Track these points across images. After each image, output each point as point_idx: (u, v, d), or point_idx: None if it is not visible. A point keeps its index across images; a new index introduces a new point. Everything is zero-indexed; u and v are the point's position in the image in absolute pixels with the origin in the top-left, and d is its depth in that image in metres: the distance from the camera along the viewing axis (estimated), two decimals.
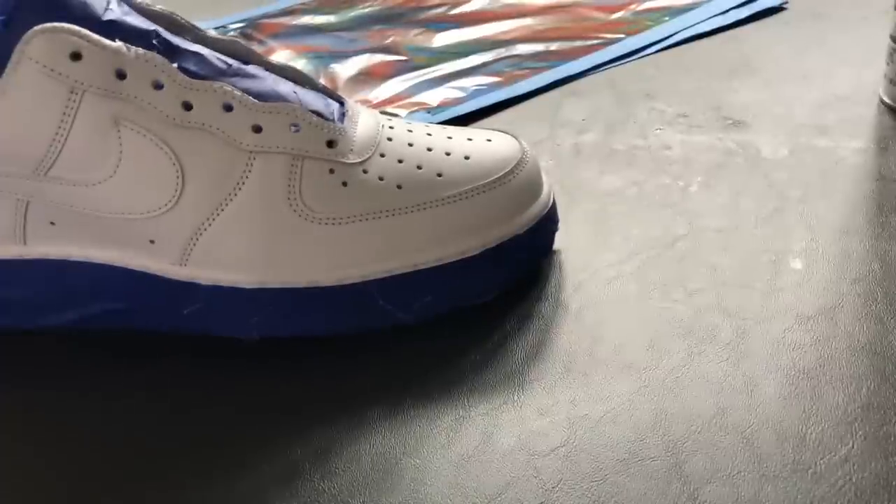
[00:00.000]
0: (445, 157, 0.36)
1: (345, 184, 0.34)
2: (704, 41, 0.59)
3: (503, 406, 0.32)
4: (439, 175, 0.36)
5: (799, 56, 0.56)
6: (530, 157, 0.38)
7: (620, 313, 0.36)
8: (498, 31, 0.63)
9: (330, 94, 0.37)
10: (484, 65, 0.58)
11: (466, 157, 0.37)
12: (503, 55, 0.59)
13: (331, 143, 0.35)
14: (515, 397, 0.32)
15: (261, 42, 0.64)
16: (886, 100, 0.49)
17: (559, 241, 0.40)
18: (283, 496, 0.29)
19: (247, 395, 0.33)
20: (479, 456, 0.30)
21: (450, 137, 0.38)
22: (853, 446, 0.29)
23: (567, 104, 0.53)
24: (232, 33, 0.66)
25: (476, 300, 0.36)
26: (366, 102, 0.54)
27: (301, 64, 0.60)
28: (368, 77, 0.57)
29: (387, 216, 0.34)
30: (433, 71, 0.57)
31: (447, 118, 0.51)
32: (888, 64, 0.49)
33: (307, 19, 0.68)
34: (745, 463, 0.29)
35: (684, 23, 0.62)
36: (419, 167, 0.36)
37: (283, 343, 0.35)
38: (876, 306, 0.35)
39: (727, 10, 0.63)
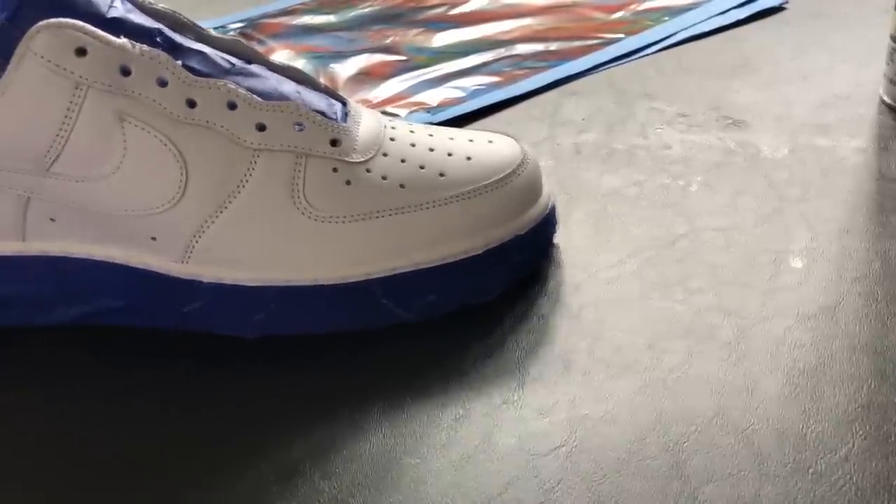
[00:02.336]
0: (448, 157, 0.36)
1: (348, 182, 0.34)
2: (704, 41, 0.59)
3: (503, 406, 0.32)
4: (442, 175, 0.36)
5: (799, 56, 0.56)
6: (531, 158, 0.38)
7: (620, 313, 0.36)
8: (498, 31, 0.63)
9: (332, 94, 0.37)
10: (484, 64, 0.58)
11: (468, 158, 0.37)
12: (503, 55, 0.59)
13: (334, 142, 0.35)
14: (515, 397, 0.32)
15: (261, 42, 0.64)
16: (887, 99, 0.49)
17: (559, 241, 0.40)
18: (283, 496, 0.29)
19: (246, 395, 0.33)
20: (479, 456, 0.30)
21: (451, 138, 0.38)
22: (853, 446, 0.29)
23: (567, 104, 0.53)
24: (232, 33, 0.66)
25: (478, 299, 0.36)
26: (366, 102, 0.54)
27: (301, 64, 0.60)
28: (368, 77, 0.57)
29: (390, 215, 0.34)
30: (433, 71, 0.57)
31: (447, 118, 0.51)
32: (888, 63, 0.49)
33: (307, 19, 0.68)
34: (745, 462, 0.29)
35: (684, 23, 0.62)
36: (422, 167, 0.36)
37: (282, 342, 0.35)
38: (876, 306, 0.35)
39: (727, 10, 0.63)
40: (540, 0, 0.68)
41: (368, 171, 0.35)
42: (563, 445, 0.30)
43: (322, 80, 0.57)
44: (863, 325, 0.34)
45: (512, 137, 0.39)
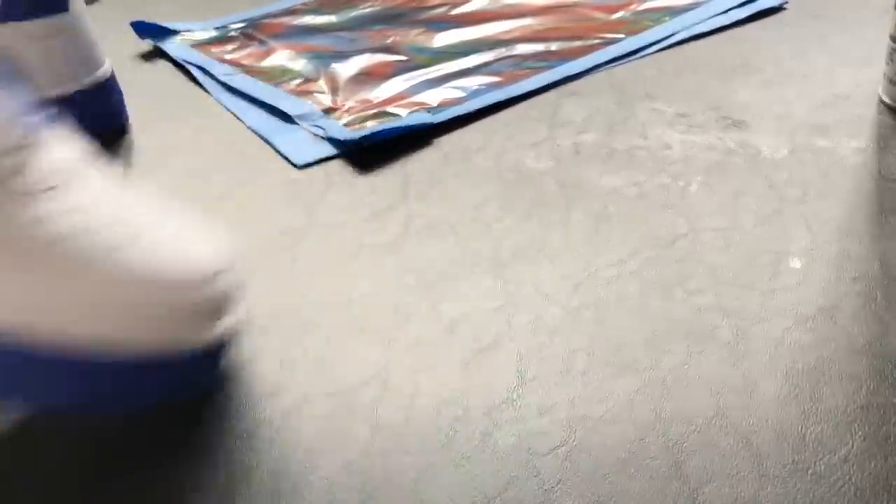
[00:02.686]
0: (145, 225, 0.30)
1: (16, 211, 0.27)
2: (704, 41, 0.60)
3: (503, 406, 0.32)
4: (130, 244, 0.29)
5: (799, 56, 0.56)
6: (233, 264, 0.33)
7: (620, 313, 0.36)
8: (498, 31, 0.63)
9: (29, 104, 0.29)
10: (484, 65, 0.58)
11: (168, 237, 0.30)
12: (503, 55, 0.59)
13: (8, 153, 0.27)
14: (515, 397, 0.32)
15: (262, 42, 0.64)
16: (886, 99, 0.49)
17: (557, 247, 0.40)
18: (282, 496, 0.29)
19: (244, 394, 0.33)
20: (478, 456, 0.30)
21: (152, 211, 0.31)
22: (852, 446, 0.29)
23: (567, 104, 0.53)
24: (233, 33, 0.66)
25: (134, 402, 0.31)
26: (366, 102, 0.54)
27: (301, 63, 0.60)
28: (369, 77, 0.57)
29: (55, 266, 0.27)
30: (434, 71, 0.57)
31: (447, 118, 0.51)
32: (888, 63, 0.49)
33: (308, 19, 0.68)
34: (744, 463, 0.29)
35: (684, 22, 0.62)
36: (111, 224, 0.29)
37: (279, 341, 0.35)
38: (875, 306, 0.35)
39: (727, 10, 0.63)
40: (540, 0, 0.68)
41: (42, 205, 0.27)
42: (562, 445, 0.30)
43: (323, 80, 0.57)
44: (862, 325, 0.34)
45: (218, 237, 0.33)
